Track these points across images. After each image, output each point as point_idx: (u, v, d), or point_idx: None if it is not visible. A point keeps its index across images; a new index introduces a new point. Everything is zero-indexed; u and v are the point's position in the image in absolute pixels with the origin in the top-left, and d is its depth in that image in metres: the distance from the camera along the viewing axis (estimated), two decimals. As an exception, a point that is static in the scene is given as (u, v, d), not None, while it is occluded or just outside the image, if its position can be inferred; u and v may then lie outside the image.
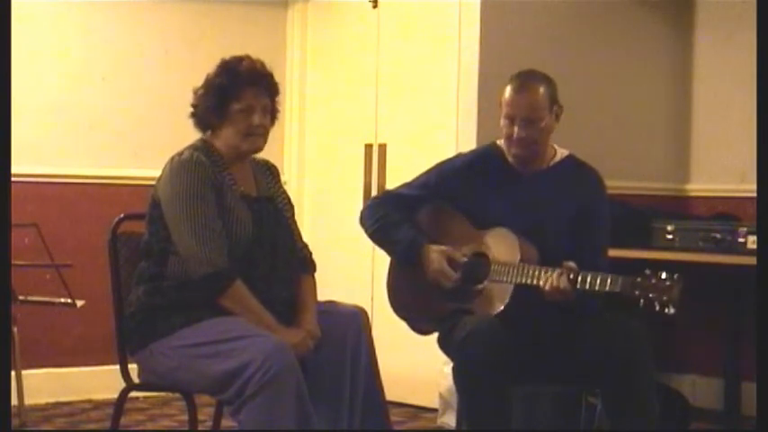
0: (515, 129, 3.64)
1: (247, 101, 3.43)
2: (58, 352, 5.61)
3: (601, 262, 3.63)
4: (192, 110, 3.51)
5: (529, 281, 3.51)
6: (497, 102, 3.72)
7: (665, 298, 3.26)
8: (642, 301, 3.29)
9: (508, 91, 3.68)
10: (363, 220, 3.85)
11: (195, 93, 3.50)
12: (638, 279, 3.31)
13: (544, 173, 3.72)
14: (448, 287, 3.67)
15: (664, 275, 3.29)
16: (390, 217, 3.77)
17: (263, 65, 3.50)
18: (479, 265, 3.66)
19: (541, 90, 3.66)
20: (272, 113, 3.52)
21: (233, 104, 3.43)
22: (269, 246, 3.45)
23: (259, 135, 3.46)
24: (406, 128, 5.65)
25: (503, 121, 3.69)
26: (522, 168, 3.72)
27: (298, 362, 3.23)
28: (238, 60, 3.48)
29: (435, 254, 3.68)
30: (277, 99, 3.54)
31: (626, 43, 5.65)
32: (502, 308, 3.56)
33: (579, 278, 3.42)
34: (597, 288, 3.39)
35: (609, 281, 3.37)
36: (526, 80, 3.68)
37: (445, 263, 3.67)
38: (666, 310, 3.26)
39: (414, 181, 3.87)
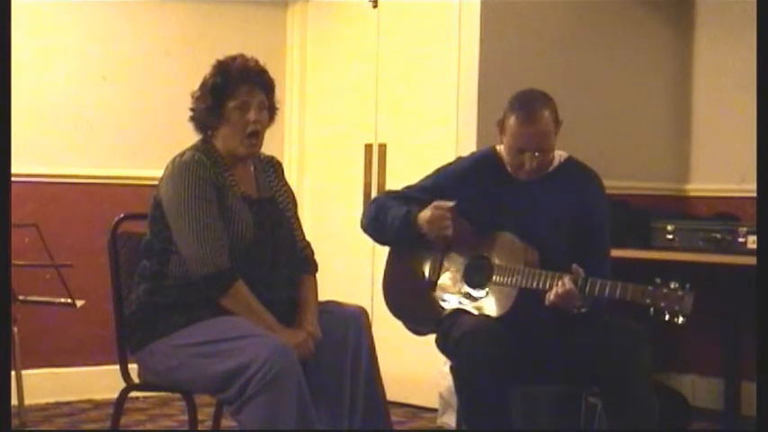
0: (525, 160, 3.59)
1: (242, 98, 3.43)
2: (57, 352, 5.61)
3: (605, 266, 3.63)
4: (190, 113, 3.52)
5: (534, 285, 3.50)
6: (497, 121, 3.65)
7: (676, 308, 3.27)
8: (652, 309, 3.29)
9: (515, 121, 3.56)
10: (362, 220, 3.84)
11: (192, 96, 3.51)
12: (650, 287, 3.31)
13: (544, 178, 3.69)
14: (447, 234, 3.63)
15: (673, 285, 3.29)
16: (383, 205, 3.76)
17: (256, 62, 3.51)
18: (482, 269, 3.65)
19: (548, 115, 3.58)
20: (269, 111, 3.52)
21: (228, 103, 3.43)
22: (270, 246, 3.45)
23: (256, 136, 3.45)
24: (406, 128, 5.65)
25: (509, 150, 3.61)
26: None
27: (298, 362, 3.23)
28: (231, 59, 3.49)
29: (426, 212, 3.64)
30: (273, 96, 3.55)
31: (626, 43, 5.65)
32: (504, 312, 3.55)
33: (588, 284, 3.41)
34: (606, 295, 3.39)
35: (618, 288, 3.37)
36: (533, 108, 3.57)
37: (436, 211, 3.63)
38: (676, 320, 3.27)
39: (415, 185, 3.86)
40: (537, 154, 3.59)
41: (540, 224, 3.64)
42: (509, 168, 3.68)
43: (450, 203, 3.63)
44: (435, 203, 3.64)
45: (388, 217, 3.73)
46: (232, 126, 3.44)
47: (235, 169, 3.49)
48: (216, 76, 3.47)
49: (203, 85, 3.49)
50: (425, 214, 3.64)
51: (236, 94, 3.44)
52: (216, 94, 3.44)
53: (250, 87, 3.46)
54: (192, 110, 3.51)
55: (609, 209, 3.80)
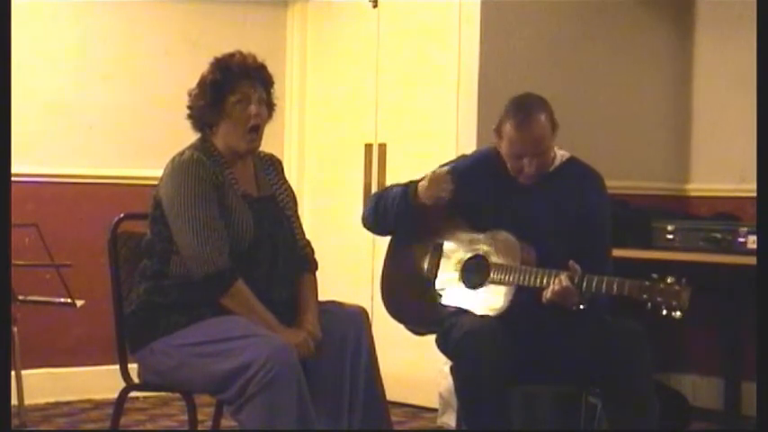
0: (524, 165, 3.60)
1: (243, 92, 3.44)
2: (58, 352, 5.61)
3: (606, 266, 3.63)
4: (188, 111, 3.52)
5: (531, 283, 3.50)
6: (494, 128, 3.66)
7: (674, 302, 3.27)
8: (650, 304, 3.29)
9: (510, 126, 3.58)
10: (364, 214, 3.86)
11: (190, 94, 3.52)
12: (646, 283, 3.31)
13: (545, 178, 3.69)
14: (446, 197, 3.64)
15: (670, 280, 3.29)
16: (382, 194, 3.79)
17: (254, 58, 3.52)
18: (479, 268, 3.65)
19: (544, 120, 3.58)
20: (268, 107, 3.53)
21: (229, 98, 3.44)
22: (270, 246, 3.45)
23: (256, 131, 3.46)
24: (406, 128, 5.65)
25: (507, 156, 3.62)
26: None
27: (298, 361, 3.23)
28: (230, 56, 3.50)
29: (424, 180, 3.65)
30: (272, 91, 3.55)
31: (626, 43, 5.65)
32: (502, 310, 3.55)
33: (585, 281, 3.41)
34: (603, 291, 3.39)
35: (615, 284, 3.37)
36: (528, 113, 3.58)
37: (435, 174, 3.65)
38: (674, 314, 3.27)
39: (413, 182, 3.85)
40: (534, 161, 3.59)
41: (540, 224, 3.64)
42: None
43: (447, 168, 3.65)
44: (434, 171, 3.65)
45: (388, 199, 3.74)
46: (234, 121, 3.44)
47: (234, 167, 3.49)
48: (215, 72, 3.47)
49: (202, 82, 3.49)
50: (424, 181, 3.65)
51: (236, 89, 3.44)
52: (216, 89, 3.44)
53: (250, 82, 3.46)
54: (190, 108, 3.52)
55: (611, 209, 3.79)
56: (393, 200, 3.73)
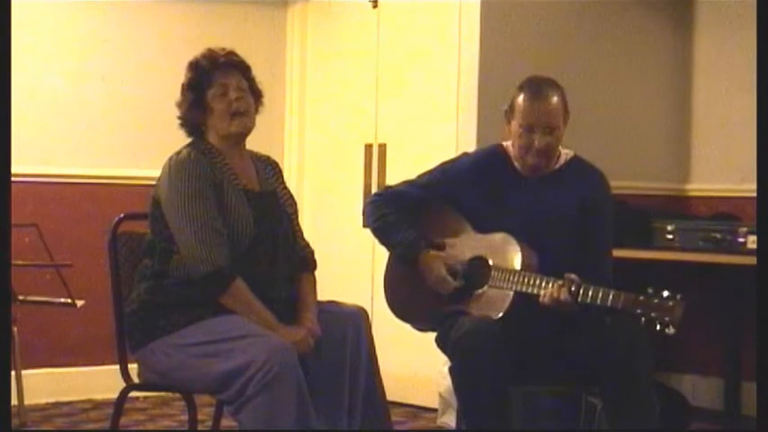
0: (534, 138, 3.57)
1: (218, 84, 3.48)
2: (58, 352, 5.61)
3: (606, 265, 3.63)
4: (179, 121, 3.55)
5: (529, 290, 3.50)
6: (506, 109, 3.65)
7: (666, 318, 3.27)
8: (643, 318, 3.30)
9: (523, 99, 3.58)
10: (365, 216, 3.84)
11: (178, 105, 3.55)
12: (641, 297, 3.31)
13: (549, 176, 3.68)
14: (446, 294, 3.67)
15: (666, 294, 3.29)
16: (391, 216, 3.74)
17: (223, 49, 3.56)
18: (480, 270, 3.65)
19: (557, 97, 3.60)
20: (253, 92, 3.54)
21: (208, 93, 3.48)
22: (270, 243, 3.45)
23: (243, 113, 3.48)
24: (406, 128, 5.65)
25: (517, 131, 3.60)
26: (529, 173, 3.70)
27: (298, 361, 3.23)
28: (200, 55, 3.55)
29: (434, 261, 3.66)
30: (251, 76, 3.58)
31: (626, 43, 5.65)
32: (500, 314, 3.55)
33: (581, 291, 3.40)
34: (599, 303, 3.39)
35: (611, 297, 3.36)
36: (541, 87, 3.60)
37: (444, 270, 3.66)
38: (667, 330, 3.28)
39: (418, 179, 3.84)
40: (545, 137, 3.57)
41: (543, 222, 3.63)
42: (516, 161, 3.68)
43: (453, 284, 3.66)
44: (447, 262, 3.65)
45: (390, 236, 3.73)
46: (217, 114, 3.48)
47: (233, 162, 3.49)
48: (189, 72, 3.53)
49: (182, 87, 3.55)
50: (432, 267, 3.65)
51: (212, 83, 3.48)
52: (194, 88, 3.49)
53: (223, 72, 3.50)
54: (180, 117, 3.55)
55: (613, 209, 3.79)
56: (396, 246, 3.72)
